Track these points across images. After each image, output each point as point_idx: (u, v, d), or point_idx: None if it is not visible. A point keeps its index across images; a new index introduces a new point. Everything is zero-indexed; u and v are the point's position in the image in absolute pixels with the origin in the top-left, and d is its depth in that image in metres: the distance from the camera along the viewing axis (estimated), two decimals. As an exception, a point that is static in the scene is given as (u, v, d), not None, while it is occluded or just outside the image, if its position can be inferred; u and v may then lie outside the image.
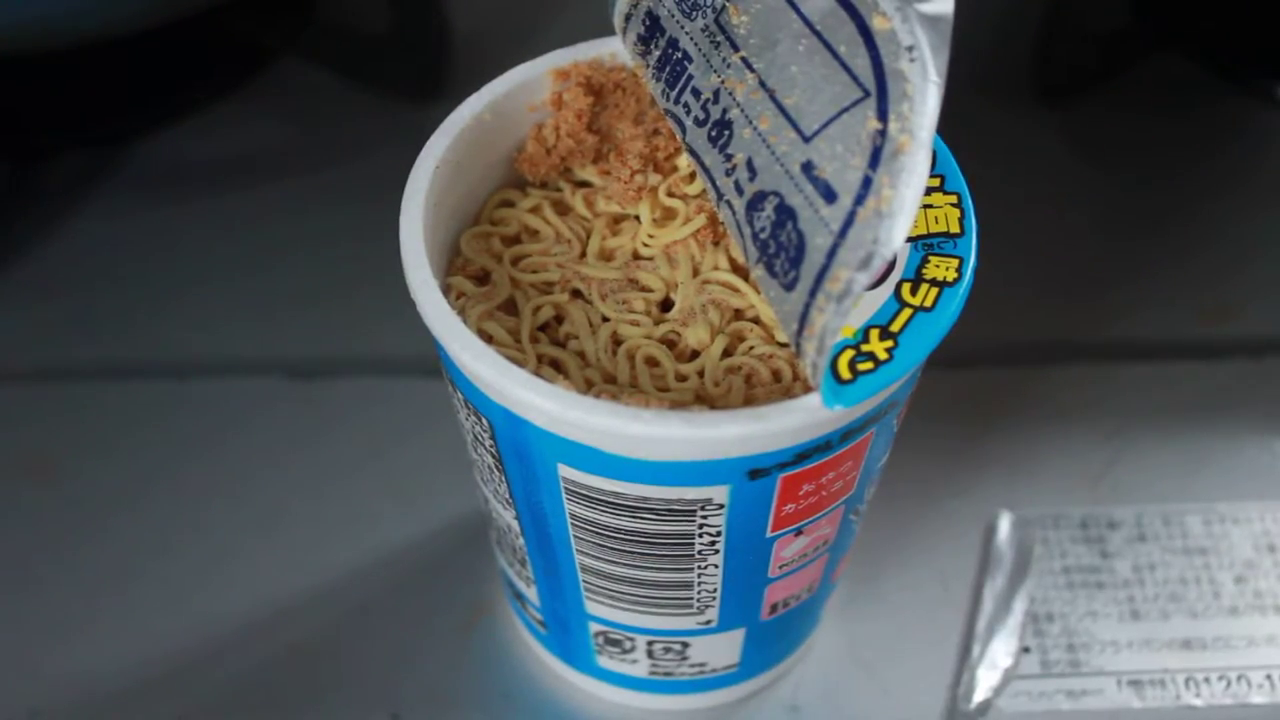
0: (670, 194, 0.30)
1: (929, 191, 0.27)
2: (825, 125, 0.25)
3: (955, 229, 0.27)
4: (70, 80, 0.48)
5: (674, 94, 0.29)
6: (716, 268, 0.29)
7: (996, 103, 0.49)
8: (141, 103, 0.49)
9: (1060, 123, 0.49)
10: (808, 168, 0.25)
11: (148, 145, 0.48)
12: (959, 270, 0.26)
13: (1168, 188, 0.47)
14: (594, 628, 0.33)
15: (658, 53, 0.29)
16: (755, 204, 0.26)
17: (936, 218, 0.27)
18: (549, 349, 0.29)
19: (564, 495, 0.28)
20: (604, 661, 0.34)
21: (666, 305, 0.30)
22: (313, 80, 0.49)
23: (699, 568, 0.29)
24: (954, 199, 0.27)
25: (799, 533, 0.29)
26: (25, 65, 0.43)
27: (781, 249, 0.26)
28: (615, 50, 0.31)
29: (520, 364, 0.27)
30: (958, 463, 0.40)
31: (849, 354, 0.25)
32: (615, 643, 0.33)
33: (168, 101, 0.49)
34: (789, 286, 0.26)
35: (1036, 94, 0.49)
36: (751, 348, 0.28)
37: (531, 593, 0.33)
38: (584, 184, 0.31)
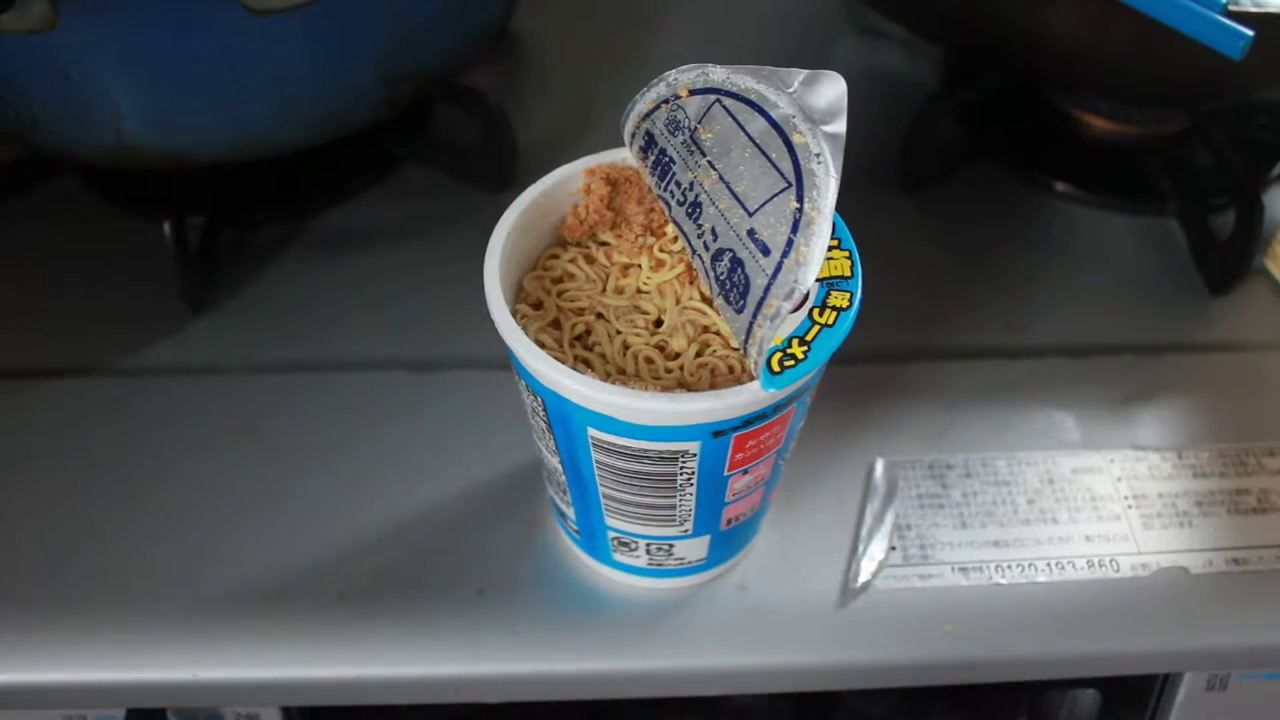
0: (661, 250, 0.30)
1: (830, 249, 0.27)
2: (762, 205, 0.25)
3: (847, 273, 0.27)
4: (272, 176, 0.48)
5: (663, 185, 0.29)
6: (692, 299, 0.29)
7: (876, 190, 0.49)
8: (316, 192, 0.48)
9: (916, 204, 0.49)
10: (751, 233, 0.25)
11: (320, 219, 0.48)
12: (850, 300, 0.26)
13: (985, 246, 0.47)
14: (611, 534, 0.32)
15: (653, 158, 0.29)
16: (717, 257, 0.26)
17: (835, 266, 0.27)
18: (581, 352, 0.29)
19: (592, 447, 0.28)
20: (618, 556, 0.34)
21: (659, 323, 0.29)
22: (427, 177, 0.49)
23: (680, 495, 0.29)
24: (846, 254, 0.27)
25: (746, 472, 0.29)
26: (243, 167, 0.43)
27: (734, 286, 0.26)
28: (625, 156, 0.31)
29: (563, 362, 0.27)
30: (849, 426, 0.40)
31: (779, 355, 0.25)
32: (625, 544, 0.33)
33: (333, 191, 0.49)
34: (739, 311, 0.26)
35: (901, 185, 0.49)
36: (715, 351, 0.28)
37: (570, 512, 0.33)
38: (604, 243, 0.31)
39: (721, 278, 0.26)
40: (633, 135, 0.30)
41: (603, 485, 0.30)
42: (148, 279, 0.44)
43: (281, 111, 0.41)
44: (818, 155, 0.25)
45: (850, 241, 0.27)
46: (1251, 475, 0.38)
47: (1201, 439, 0.40)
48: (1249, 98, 0.47)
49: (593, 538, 0.33)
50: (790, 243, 0.24)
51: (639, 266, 0.30)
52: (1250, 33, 0.33)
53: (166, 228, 0.43)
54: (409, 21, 0.42)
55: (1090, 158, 0.50)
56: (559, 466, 0.31)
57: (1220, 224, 0.46)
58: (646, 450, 0.27)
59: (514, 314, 0.28)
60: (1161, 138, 0.50)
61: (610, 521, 0.32)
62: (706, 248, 0.27)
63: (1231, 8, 0.34)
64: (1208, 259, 0.45)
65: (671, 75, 0.29)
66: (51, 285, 0.45)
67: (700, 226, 0.27)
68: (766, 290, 0.25)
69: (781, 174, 0.25)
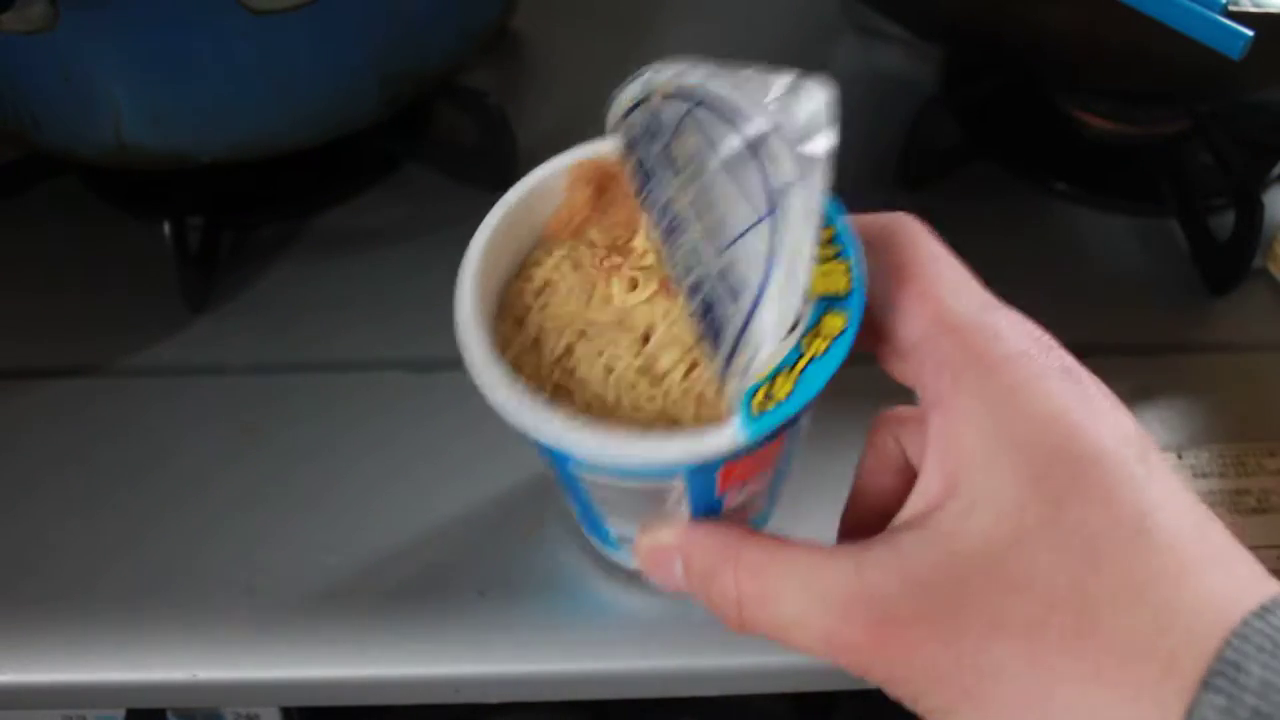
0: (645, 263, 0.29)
1: (826, 259, 0.25)
2: (733, 242, 0.24)
3: (844, 289, 0.25)
4: (272, 176, 0.48)
5: (643, 196, 0.28)
6: (680, 314, 0.28)
7: (875, 189, 0.48)
8: (316, 192, 0.48)
9: (915, 203, 0.48)
10: (723, 274, 0.24)
11: (320, 220, 0.48)
12: (846, 322, 0.24)
13: (984, 246, 0.46)
14: (613, 533, 0.32)
15: (633, 161, 0.28)
16: (691, 292, 0.25)
17: (830, 281, 0.25)
18: (561, 378, 0.27)
19: (579, 477, 0.28)
20: (621, 548, 0.33)
21: (648, 338, 0.28)
22: (427, 177, 0.49)
23: (676, 511, 0.29)
24: (845, 266, 0.25)
25: (741, 488, 0.29)
26: (243, 167, 0.43)
27: (709, 329, 0.25)
28: (612, 148, 0.30)
29: (542, 388, 0.26)
30: (849, 426, 0.39)
31: (761, 392, 0.23)
32: (627, 541, 0.32)
33: (332, 191, 0.48)
34: (713, 357, 0.25)
35: (901, 185, 0.49)
36: (704, 373, 0.27)
37: (573, 509, 0.33)
38: (591, 243, 0.30)
39: (695, 317, 0.25)
40: (615, 133, 0.29)
41: (597, 503, 0.30)
42: (148, 279, 0.44)
43: (281, 111, 0.41)
44: (792, 185, 0.23)
45: (851, 250, 0.25)
46: (1251, 475, 0.38)
47: (1201, 439, 0.39)
48: (1249, 98, 0.46)
49: (595, 529, 0.33)
50: (761, 289, 0.23)
51: (626, 278, 0.29)
52: (1250, 33, 0.33)
53: (166, 228, 0.43)
54: (408, 21, 0.42)
55: (1090, 158, 0.50)
56: (554, 476, 0.30)
57: (1220, 224, 0.45)
58: (629, 484, 0.27)
59: (494, 332, 0.28)
60: (1161, 138, 0.49)
61: (610, 524, 0.31)
62: (679, 282, 0.26)
63: (1231, 8, 0.34)
64: (1208, 259, 0.45)
65: (648, 74, 0.27)
66: (52, 285, 0.45)
67: (676, 256, 0.26)
68: (736, 343, 0.23)
69: (754, 207, 0.23)
